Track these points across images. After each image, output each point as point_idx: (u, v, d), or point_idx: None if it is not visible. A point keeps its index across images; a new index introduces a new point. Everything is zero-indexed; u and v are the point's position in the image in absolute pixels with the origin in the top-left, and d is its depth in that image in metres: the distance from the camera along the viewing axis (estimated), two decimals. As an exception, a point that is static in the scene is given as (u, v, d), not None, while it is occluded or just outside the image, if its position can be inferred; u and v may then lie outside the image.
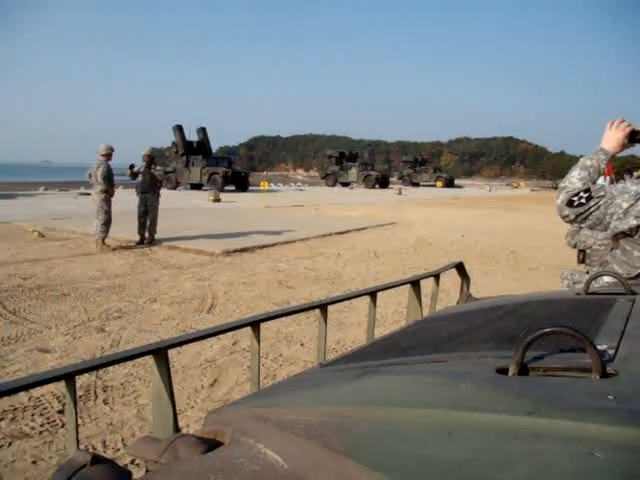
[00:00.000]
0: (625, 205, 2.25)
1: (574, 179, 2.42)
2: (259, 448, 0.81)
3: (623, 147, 2.52)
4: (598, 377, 0.89)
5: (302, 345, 5.44)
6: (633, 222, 2.23)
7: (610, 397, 0.79)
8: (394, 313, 6.49)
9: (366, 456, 0.72)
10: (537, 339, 0.93)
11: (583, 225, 2.45)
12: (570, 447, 0.67)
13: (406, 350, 1.40)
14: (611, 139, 2.51)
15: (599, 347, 0.97)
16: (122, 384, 4.40)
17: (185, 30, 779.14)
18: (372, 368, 1.22)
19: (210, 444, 0.87)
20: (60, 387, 4.12)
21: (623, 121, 2.50)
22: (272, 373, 4.67)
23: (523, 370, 0.95)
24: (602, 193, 2.32)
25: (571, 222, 2.48)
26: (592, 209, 2.32)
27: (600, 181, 2.58)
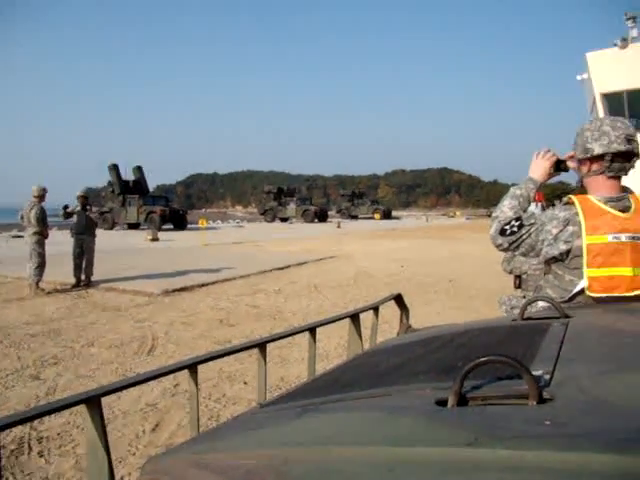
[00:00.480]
0: (555, 231, 2.31)
1: (505, 208, 2.48)
2: None
3: (550, 176, 2.61)
4: (535, 403, 0.89)
5: (245, 384, 5.35)
6: (563, 247, 2.29)
7: (547, 422, 0.80)
8: (337, 347, 6.47)
9: None
10: (474, 368, 0.93)
11: (517, 253, 2.50)
12: (510, 476, 0.67)
13: (346, 386, 1.38)
14: (538, 168, 2.59)
15: (535, 373, 0.98)
16: (59, 434, 4.23)
17: (117, 66, 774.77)
18: (312, 406, 1.19)
19: None
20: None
21: (548, 151, 2.59)
22: (216, 414, 4.57)
23: (462, 400, 0.95)
24: (532, 220, 2.37)
25: (505, 250, 2.53)
26: (524, 237, 2.37)
27: (532, 208, 2.65)
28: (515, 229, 2.38)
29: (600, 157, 2.33)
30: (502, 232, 2.41)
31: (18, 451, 3.94)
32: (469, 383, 0.97)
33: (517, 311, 3.85)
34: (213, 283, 11.72)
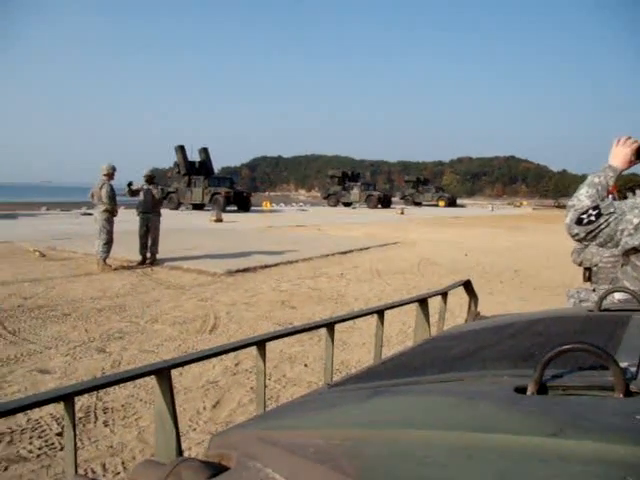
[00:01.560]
0: (636, 221, 2.21)
1: (582, 197, 2.39)
2: (267, 472, 0.76)
3: (630, 163, 2.51)
4: (622, 396, 0.84)
5: (306, 366, 5.36)
6: None
7: (638, 417, 0.75)
8: (399, 333, 6.41)
9: None
10: (557, 356, 0.89)
11: (593, 243, 2.40)
12: (599, 470, 0.63)
13: (417, 369, 1.34)
14: (618, 156, 2.50)
15: (620, 365, 0.92)
16: (123, 406, 4.33)
17: (188, 50, 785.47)
18: (383, 388, 1.16)
19: (215, 468, 0.83)
20: (60, 409, 4.06)
21: (630, 138, 2.50)
22: (275, 394, 4.60)
23: (542, 389, 0.91)
24: (612, 210, 2.27)
25: (581, 240, 2.43)
26: (602, 226, 2.27)
27: None
28: (593, 218, 2.29)
29: None
30: (579, 221, 2.33)
31: (85, 419, 4.05)
32: (549, 372, 0.93)
33: (586, 304, 3.74)
34: (276, 265, 11.79)
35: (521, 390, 0.92)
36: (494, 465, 0.67)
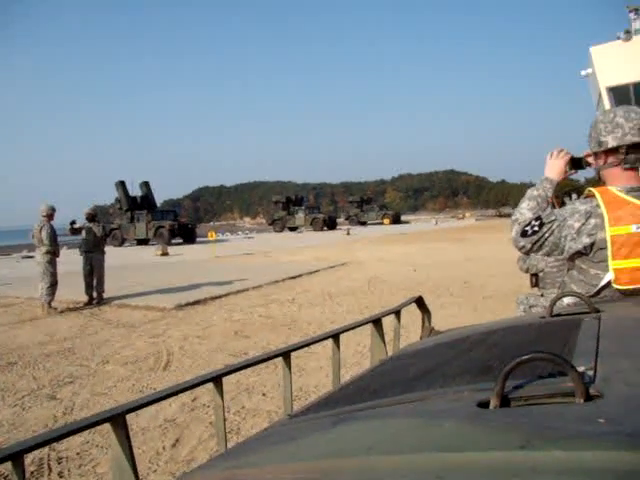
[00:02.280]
0: (577, 225, 2.27)
1: (524, 210, 2.48)
2: None
3: (565, 174, 2.63)
4: (582, 401, 0.85)
5: (264, 395, 5.29)
6: (586, 240, 2.24)
7: (601, 420, 0.75)
8: (354, 354, 6.40)
9: None
10: (516, 367, 0.88)
11: (540, 253, 2.45)
12: (569, 478, 0.63)
13: (378, 392, 1.32)
14: (553, 168, 2.61)
15: (578, 369, 0.92)
16: (78, 454, 4.18)
17: (119, 81, 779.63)
18: (345, 415, 1.14)
19: None
20: (6, 468, 3.89)
21: (562, 150, 2.62)
22: (236, 427, 4.52)
23: (504, 402, 0.91)
24: (553, 217, 2.33)
25: (528, 252, 2.49)
26: (546, 235, 2.32)
27: None
28: (536, 228, 2.34)
29: (615, 150, 2.31)
30: (523, 234, 2.38)
31: (38, 472, 3.90)
32: (509, 383, 0.92)
33: (536, 310, 3.80)
34: (226, 295, 11.68)
35: (484, 405, 0.91)
36: None
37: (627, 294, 2.16)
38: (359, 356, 6.31)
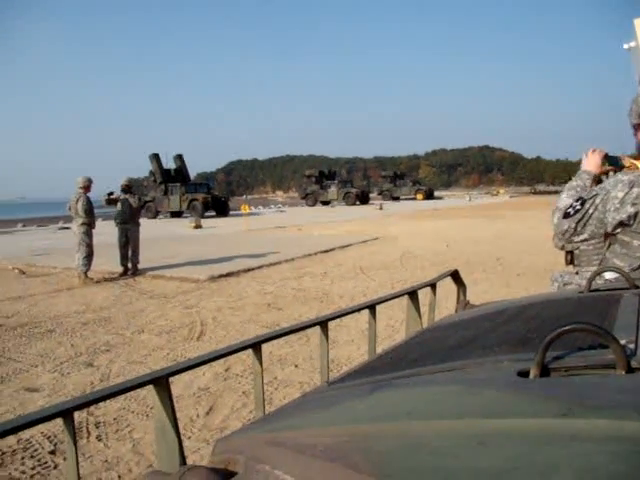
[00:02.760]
0: (620, 194, 2.25)
1: (564, 198, 2.53)
2: (277, 475, 0.74)
3: (602, 168, 2.72)
4: (624, 372, 0.85)
5: (296, 366, 5.35)
6: (631, 209, 2.22)
7: None
8: (386, 327, 6.41)
9: (396, 474, 0.66)
10: (556, 338, 0.88)
11: (585, 234, 2.43)
12: (611, 447, 0.63)
13: (416, 361, 1.33)
14: (590, 162, 2.74)
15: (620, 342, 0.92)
16: (115, 419, 4.28)
17: (156, 58, 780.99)
18: (384, 382, 1.14)
19: (223, 474, 0.82)
20: (50, 426, 4.00)
21: (596, 149, 2.76)
22: (268, 397, 4.57)
23: (544, 372, 0.91)
24: (594, 192, 2.31)
25: (572, 235, 2.47)
26: (590, 210, 2.30)
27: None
28: (578, 207, 2.33)
29: None
30: (566, 216, 2.37)
31: (77, 435, 4.00)
32: (549, 354, 0.92)
33: (570, 287, 3.76)
34: (259, 268, 11.76)
35: (524, 374, 0.91)
36: (507, 450, 0.67)
37: None
38: (391, 330, 6.33)
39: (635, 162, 2.30)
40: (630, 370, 0.85)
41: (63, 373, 5.43)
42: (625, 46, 18.54)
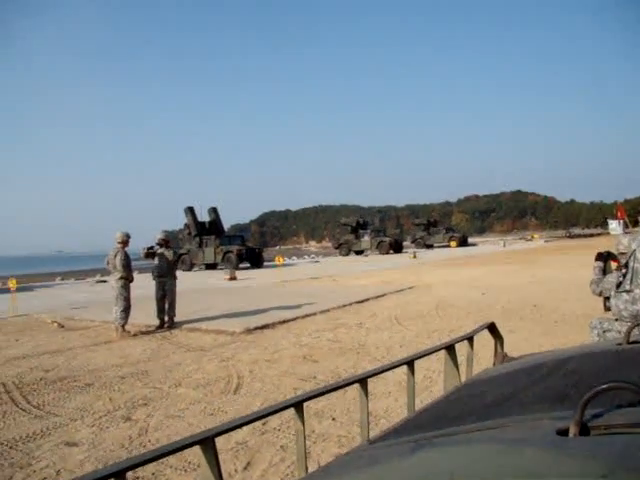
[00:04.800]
0: None
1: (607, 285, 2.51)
2: None
3: None
4: None
5: (334, 420, 5.31)
6: None
7: None
8: (423, 379, 6.34)
9: None
10: (595, 396, 0.89)
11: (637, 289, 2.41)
12: None
13: (457, 418, 1.33)
14: None
15: None
16: (153, 474, 4.29)
17: (185, 110, 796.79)
18: (425, 441, 1.15)
19: None
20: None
21: None
22: (307, 451, 4.53)
23: (584, 430, 0.90)
24: (633, 247, 2.30)
25: (618, 285, 2.46)
26: (632, 264, 2.29)
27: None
28: (623, 270, 2.32)
29: None
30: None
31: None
32: (588, 411, 0.92)
33: (610, 335, 3.71)
34: (294, 319, 11.74)
35: (563, 432, 0.91)
36: None
37: None
38: (428, 381, 6.26)
39: None
40: None
41: (102, 427, 5.46)
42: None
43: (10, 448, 5.03)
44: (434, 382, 6.17)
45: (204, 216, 40.68)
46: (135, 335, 10.90)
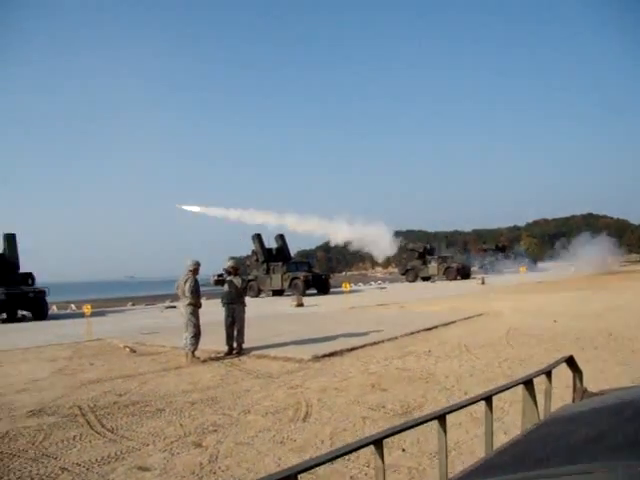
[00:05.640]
0: None
1: None
2: None
3: None
4: None
5: (404, 451, 5.22)
6: None
7: None
8: (496, 410, 6.19)
9: None
10: None
11: None
12: None
13: (540, 460, 1.29)
14: None
15: None
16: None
17: (247, 145, 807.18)
18: None
19: None
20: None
21: None
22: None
23: None
24: None
25: None
26: None
27: None
28: None
29: None
30: None
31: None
32: None
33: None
34: (362, 347, 11.66)
35: None
36: None
37: None
38: (500, 412, 6.11)
39: None
40: None
41: (173, 453, 5.54)
42: None
43: (87, 470, 5.17)
44: (506, 413, 6.02)
45: (271, 243, 41.23)
46: (204, 361, 11.05)
